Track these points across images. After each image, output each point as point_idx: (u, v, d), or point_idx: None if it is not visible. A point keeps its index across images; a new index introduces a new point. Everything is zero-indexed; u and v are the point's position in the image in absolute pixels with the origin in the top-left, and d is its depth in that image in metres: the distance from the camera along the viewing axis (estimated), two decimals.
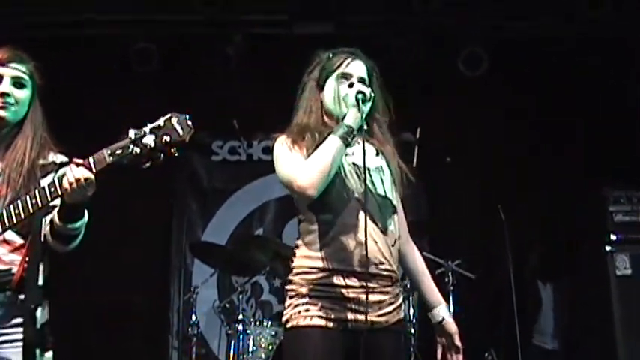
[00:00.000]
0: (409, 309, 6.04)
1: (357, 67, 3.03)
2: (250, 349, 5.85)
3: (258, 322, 6.01)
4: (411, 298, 6.09)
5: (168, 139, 2.66)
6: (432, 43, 7.38)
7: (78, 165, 2.70)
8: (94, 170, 2.70)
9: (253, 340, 5.88)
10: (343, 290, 2.72)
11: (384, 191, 2.89)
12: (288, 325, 2.78)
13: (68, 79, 6.69)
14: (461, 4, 7.15)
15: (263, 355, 5.76)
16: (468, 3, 7.17)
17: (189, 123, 2.71)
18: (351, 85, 2.90)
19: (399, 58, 7.16)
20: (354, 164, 2.87)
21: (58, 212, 2.87)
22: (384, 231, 2.81)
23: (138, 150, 2.66)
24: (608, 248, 5.47)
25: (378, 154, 3.01)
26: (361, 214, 2.76)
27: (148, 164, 2.71)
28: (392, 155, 3.03)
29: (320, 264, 2.76)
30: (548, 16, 7.31)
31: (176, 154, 2.70)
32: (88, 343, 6.77)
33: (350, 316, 2.72)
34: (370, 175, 2.88)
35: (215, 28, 7.30)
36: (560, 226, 6.70)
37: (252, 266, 6.25)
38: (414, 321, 6.04)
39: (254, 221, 7.65)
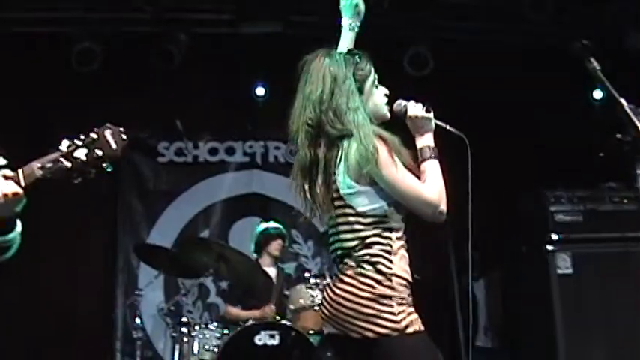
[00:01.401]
0: None
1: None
2: (195, 352, 5.82)
3: (203, 325, 5.97)
4: None
5: (100, 153, 2.58)
6: (378, 44, 7.40)
7: (7, 178, 2.63)
8: (22, 184, 2.62)
9: (199, 342, 5.85)
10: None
11: None
12: (410, 329, 2.80)
13: (9, 78, 6.61)
14: (407, 6, 7.18)
15: (208, 357, 5.73)
16: (414, 4, 7.21)
17: (124, 136, 2.62)
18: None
19: None
20: None
21: None
22: None
23: (69, 164, 2.56)
24: (549, 247, 5.54)
25: None
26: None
27: (78, 179, 2.62)
28: None
29: (407, 272, 2.90)
30: (494, 20, 7.40)
31: (108, 170, 2.63)
32: (30, 346, 6.64)
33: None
34: None
35: (160, 27, 7.23)
36: (503, 226, 6.77)
37: (197, 268, 6.20)
38: None
39: (200, 223, 7.60)
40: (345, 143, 2.88)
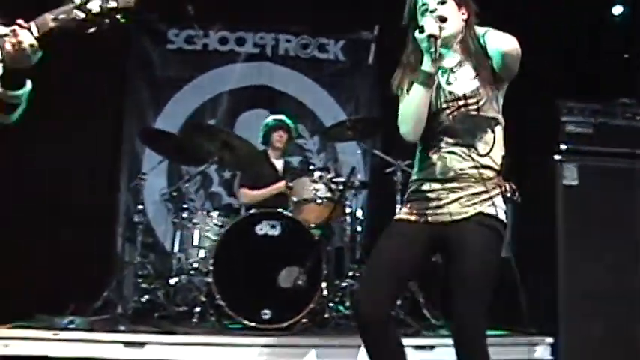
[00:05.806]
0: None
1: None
2: (196, 239, 5.85)
3: (205, 213, 5.99)
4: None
5: (114, 4, 2.59)
6: None
7: (22, 27, 2.60)
8: (35, 34, 2.60)
9: (199, 230, 5.87)
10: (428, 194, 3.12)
11: (477, 111, 3.09)
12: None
13: None
14: None
15: (207, 245, 5.76)
16: None
17: None
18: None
19: None
20: (450, 92, 3.09)
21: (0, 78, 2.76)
22: (469, 145, 3.10)
23: (82, 15, 2.58)
24: (557, 158, 5.47)
25: (477, 75, 3.11)
26: (445, 138, 3.09)
27: (92, 29, 2.63)
28: (483, 67, 3.10)
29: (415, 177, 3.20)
30: None
31: (122, 21, 2.61)
32: (37, 229, 6.55)
33: (429, 211, 3.10)
34: (466, 99, 3.08)
35: None
36: (511, 135, 6.68)
37: (201, 155, 6.14)
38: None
39: (206, 112, 7.57)
40: None
